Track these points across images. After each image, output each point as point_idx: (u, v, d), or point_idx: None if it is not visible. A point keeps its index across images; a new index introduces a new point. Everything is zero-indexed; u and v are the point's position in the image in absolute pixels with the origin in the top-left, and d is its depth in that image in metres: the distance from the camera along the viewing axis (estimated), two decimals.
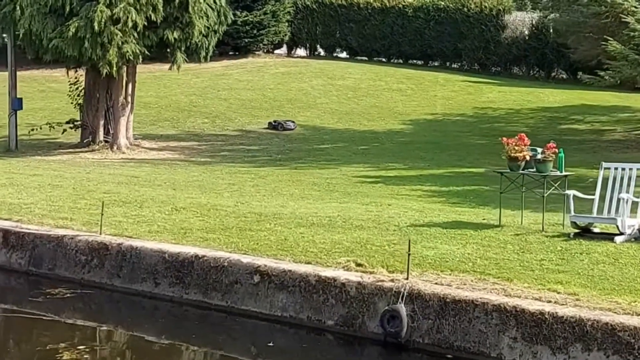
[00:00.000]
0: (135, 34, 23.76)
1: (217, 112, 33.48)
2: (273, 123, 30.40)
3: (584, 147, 25.94)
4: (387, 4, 44.84)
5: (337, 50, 47.28)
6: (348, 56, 46.61)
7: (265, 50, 45.84)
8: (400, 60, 45.13)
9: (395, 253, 10.74)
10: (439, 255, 10.65)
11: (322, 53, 47.61)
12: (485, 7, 42.27)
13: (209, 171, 21.15)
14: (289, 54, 47.86)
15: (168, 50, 25.19)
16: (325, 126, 31.33)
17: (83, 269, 12.02)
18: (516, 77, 41.72)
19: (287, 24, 44.94)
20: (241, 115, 33.16)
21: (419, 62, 45.00)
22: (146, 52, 24.33)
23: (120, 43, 23.29)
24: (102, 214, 12.30)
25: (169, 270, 11.21)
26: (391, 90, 37.06)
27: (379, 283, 9.56)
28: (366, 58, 45.88)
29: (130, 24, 23.35)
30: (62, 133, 27.30)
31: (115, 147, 25.54)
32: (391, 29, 44.50)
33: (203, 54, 26.06)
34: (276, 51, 47.45)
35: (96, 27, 22.96)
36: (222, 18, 26.13)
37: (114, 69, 23.69)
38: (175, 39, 24.51)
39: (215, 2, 25.62)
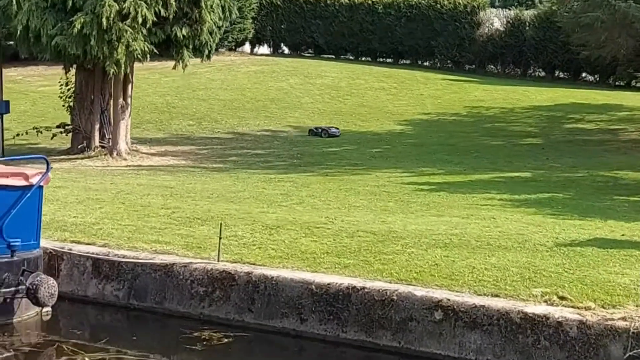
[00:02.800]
0: (145, 31, 21.97)
1: (201, 114, 31.85)
2: (315, 130, 28.29)
3: (608, 147, 25.12)
4: (356, 1, 43.68)
5: (303, 47, 45.88)
6: (314, 54, 45.25)
7: (228, 48, 44.24)
8: (369, 58, 43.98)
9: (585, 281, 9.44)
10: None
11: (287, 51, 46.19)
12: (459, 3, 41.44)
13: (239, 180, 19.56)
14: (252, 52, 46.33)
15: (175, 48, 23.38)
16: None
17: (202, 302, 10.41)
18: (491, 75, 40.96)
19: (251, 20, 43.40)
20: (227, 116, 31.61)
21: (389, 60, 43.93)
22: (154, 50, 22.54)
23: (129, 40, 21.47)
24: (221, 238, 10.67)
25: (318, 304, 9.70)
26: (374, 89, 35.89)
27: (608, 322, 8.25)
28: (333, 56, 44.63)
29: (140, 19, 21.58)
30: (52, 138, 25.30)
31: (115, 153, 23.72)
32: (360, 26, 43.36)
33: (206, 52, 24.41)
34: (239, 49, 45.85)
35: (104, 23, 21.15)
36: (227, 13, 24.51)
37: (122, 68, 21.87)
38: (184, 36, 22.81)
39: None
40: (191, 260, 10.72)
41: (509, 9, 42.91)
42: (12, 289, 9.94)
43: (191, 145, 27.10)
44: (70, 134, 25.04)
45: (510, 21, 40.62)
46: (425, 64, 43.00)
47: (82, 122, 24.59)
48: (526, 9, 42.58)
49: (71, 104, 25.05)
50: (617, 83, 38.64)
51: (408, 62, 43.18)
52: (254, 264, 10.54)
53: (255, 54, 45.92)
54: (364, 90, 35.56)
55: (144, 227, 12.56)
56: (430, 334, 9.09)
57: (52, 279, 10.07)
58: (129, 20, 21.54)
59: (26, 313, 10.18)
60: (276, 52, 45.97)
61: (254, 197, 16.27)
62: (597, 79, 39.45)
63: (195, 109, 32.56)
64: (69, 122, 25.16)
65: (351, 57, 44.52)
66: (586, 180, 19.62)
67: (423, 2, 42.05)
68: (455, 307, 9.01)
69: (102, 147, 24.30)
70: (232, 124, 30.67)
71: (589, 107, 32.67)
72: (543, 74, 40.78)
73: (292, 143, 27.19)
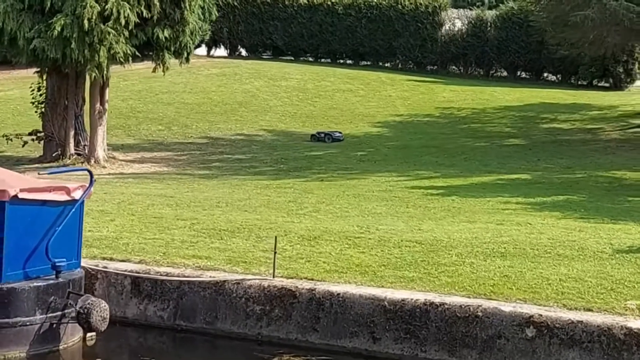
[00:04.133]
0: (127, 33, 21.09)
1: (169, 118, 30.96)
2: (318, 135, 27.23)
3: (593, 147, 24.97)
4: (315, 1, 43.10)
5: (260, 49, 45.11)
6: (272, 56, 44.52)
7: None
8: (329, 60, 43.44)
9: None
10: None
11: (244, 53, 45.39)
12: (421, 4, 41.12)
13: (234, 187, 18.85)
14: (209, 54, 45.43)
15: (155, 50, 22.53)
16: (295, 130, 29.37)
17: (259, 322, 9.73)
18: (454, 76, 40.74)
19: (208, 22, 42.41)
20: (196, 121, 30.79)
21: (349, 62, 43.42)
22: (136, 52, 21.69)
23: (112, 43, 20.57)
24: (276, 252, 10.00)
25: (392, 322, 9.11)
26: (342, 91, 35.37)
27: None
28: (292, 58, 43.98)
29: (122, 21, 20.71)
30: (23, 146, 24.22)
31: (93, 161, 22.79)
32: (320, 27, 42.76)
33: (185, 54, 23.62)
34: (195, 51, 44.81)
35: (86, 25, 20.22)
36: (207, 14, 23.73)
37: (104, 72, 20.96)
38: (166, 37, 21.98)
39: None
40: (243, 277, 10.03)
41: (471, 9, 42.73)
42: (59, 313, 9.14)
43: (167, 151, 26.24)
44: (42, 142, 23.98)
45: (473, 21, 40.45)
46: (386, 65, 42.58)
47: (55, 128, 23.58)
48: (488, 9, 42.47)
49: (43, 110, 23.98)
50: (579, 82, 38.73)
51: (369, 63, 42.70)
52: (312, 279, 9.91)
53: (212, 56, 44.99)
54: (332, 92, 34.99)
55: (173, 241, 11.81)
56: (522, 352, 8.57)
57: (103, 301, 9.29)
58: (111, 21, 20.68)
59: (71, 339, 9.38)
60: (233, 54, 45.11)
61: (264, 205, 15.59)
62: (560, 78, 39.52)
63: (161, 113, 31.64)
64: (41, 129, 24.09)
65: (311, 59, 43.91)
66: (589, 182, 19.36)
67: (384, 2, 41.63)
68: (549, 323, 8.50)
69: (78, 154, 23.34)
70: (204, 128, 29.85)
71: (559, 107, 32.59)
72: (505, 74, 40.69)
73: (271, 147, 26.51)
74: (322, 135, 26.96)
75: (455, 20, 40.94)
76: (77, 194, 9.51)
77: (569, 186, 18.57)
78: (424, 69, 41.44)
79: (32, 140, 24.04)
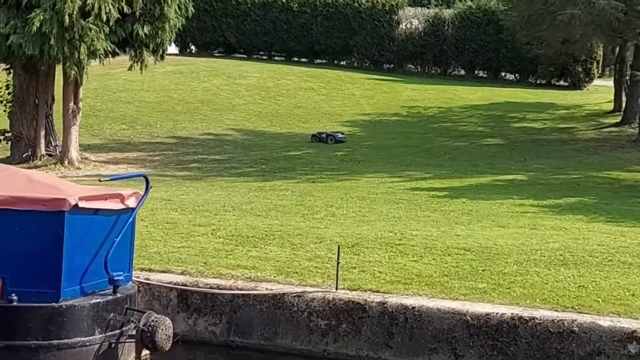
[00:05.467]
0: (107, 29, 20.17)
1: (131, 117, 30.00)
2: (319, 136, 26.11)
3: (574, 147, 24.85)
4: None
5: (212, 47, 44.21)
6: (224, 53, 43.64)
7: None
8: (283, 57, 42.77)
9: None
10: None
11: (195, 50, 44.48)
12: (378, 2, 40.71)
13: (225, 189, 18.12)
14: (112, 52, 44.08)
15: (134, 47, 21.62)
16: (264, 130, 28.70)
17: (324, 337, 9.11)
18: (411, 74, 40.42)
19: None
20: (159, 120, 29.88)
21: (304, 60, 42.77)
22: (116, 49, 20.79)
23: (93, 39, 19.64)
24: (339, 263, 9.37)
25: (477, 338, 8.58)
26: (303, 89, 34.78)
27: None
28: (245, 55, 43.19)
29: (104, 16, 19.78)
30: None
31: (66, 162, 21.77)
32: (274, 24, 42.02)
33: (161, 51, 22.77)
34: None
35: (66, 21, 19.25)
36: (183, 10, 22.88)
37: (85, 69, 20.02)
38: (145, 34, 21.11)
39: None
40: (304, 289, 9.39)
41: (428, 8, 42.46)
42: (117, 331, 8.39)
43: (137, 151, 25.30)
44: (10, 142, 22.88)
45: (430, 20, 40.15)
46: (341, 63, 42.05)
47: (24, 128, 22.49)
48: (446, 8, 42.28)
49: (11, 108, 22.85)
50: (538, 81, 38.75)
51: (325, 61, 42.11)
52: (377, 291, 9.32)
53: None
54: (294, 91, 34.36)
55: (206, 250, 11.11)
56: None
57: (167, 318, 8.56)
58: (92, 17, 19.72)
59: (129, 358, 8.62)
60: (184, 51, 44.14)
61: (272, 209, 14.92)
62: (518, 77, 39.48)
63: (122, 112, 30.64)
64: (8, 129, 22.98)
65: (264, 57, 43.19)
66: (588, 183, 19.16)
67: (340, 0, 41.08)
68: None
69: (49, 155, 22.32)
70: (169, 127, 28.95)
71: (525, 106, 32.51)
72: (463, 72, 40.49)
73: (245, 147, 25.77)
74: (324, 135, 26.00)
75: (412, 19, 40.59)
76: (130, 202, 8.76)
77: (572, 188, 18.31)
78: (381, 68, 41.03)
79: (1, 140, 22.92)
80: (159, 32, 21.55)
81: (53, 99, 22.93)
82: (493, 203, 15.84)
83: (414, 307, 8.85)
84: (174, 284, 9.66)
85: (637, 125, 27.13)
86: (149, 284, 9.70)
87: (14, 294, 7.89)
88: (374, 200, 16.20)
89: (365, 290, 9.33)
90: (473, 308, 8.73)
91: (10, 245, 8.00)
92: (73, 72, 19.92)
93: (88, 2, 19.46)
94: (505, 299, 9.05)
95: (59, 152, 22.25)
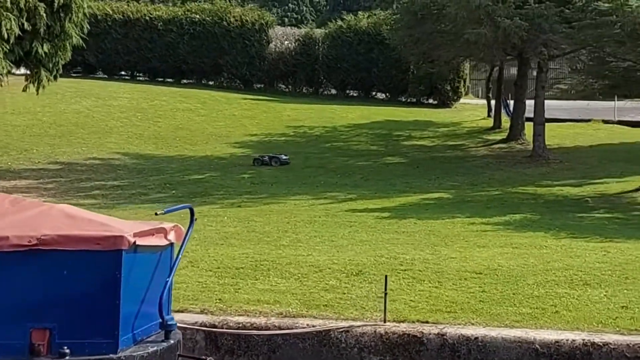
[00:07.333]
0: (8, 47, 18.74)
1: (2, 142, 28.15)
2: (261, 159, 25.08)
3: (475, 164, 25.06)
4: (131, 16, 40.99)
5: (69, 66, 42.23)
6: (82, 73, 41.86)
7: None
8: (147, 77, 41.51)
9: None
10: None
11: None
12: (247, 21, 40.11)
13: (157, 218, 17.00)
14: (9, 72, 41.87)
15: (32, 66, 20.21)
16: (151, 153, 27.54)
17: None
18: (282, 94, 40.05)
19: None
20: (34, 144, 28.20)
21: (169, 80, 41.61)
22: (14, 69, 19.33)
23: None
24: (386, 294, 8.76)
25: None
26: (181, 110, 33.79)
27: None
28: (106, 75, 41.68)
29: (5, 34, 18.34)
30: None
31: None
32: (138, 43, 40.72)
33: (55, 71, 21.42)
34: None
35: None
36: (79, 28, 21.62)
37: None
38: (45, 52, 19.75)
39: None
40: (351, 324, 8.72)
41: (299, 28, 42.17)
42: None
43: (23, 179, 23.61)
44: None
45: (302, 39, 39.89)
46: (210, 83, 41.17)
47: None
48: (317, 27, 42.15)
49: None
50: (408, 100, 39.16)
51: (192, 81, 41.09)
52: (426, 322, 8.77)
53: (14, 74, 41.62)
54: (172, 112, 33.28)
55: (207, 284, 10.27)
56: None
57: None
58: None
59: None
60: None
61: (228, 237, 14.12)
62: (389, 96, 39.73)
63: None
64: None
65: (127, 77, 41.80)
66: (512, 199, 19.28)
67: (208, 19, 40.22)
68: None
69: None
70: (47, 152, 27.28)
71: (406, 124, 32.69)
72: (334, 92, 40.39)
73: (140, 172, 24.57)
74: (267, 158, 25.09)
75: (283, 38, 40.25)
76: (172, 236, 7.85)
77: (502, 204, 18.37)
78: (251, 87, 40.43)
79: None
80: (59, 50, 20.17)
81: None
82: (444, 222, 15.60)
83: (476, 338, 8.36)
84: (200, 324, 8.77)
85: (523, 141, 27.71)
86: None
87: (65, 347, 6.86)
88: (324, 223, 15.64)
89: (414, 322, 8.76)
90: (539, 335, 8.34)
91: (57, 291, 6.96)
92: None
93: None
94: (557, 323, 8.71)
95: None
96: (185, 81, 41.35)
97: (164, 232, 7.71)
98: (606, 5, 18.01)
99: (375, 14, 39.91)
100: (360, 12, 41.61)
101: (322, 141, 29.59)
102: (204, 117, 32.86)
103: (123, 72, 42.42)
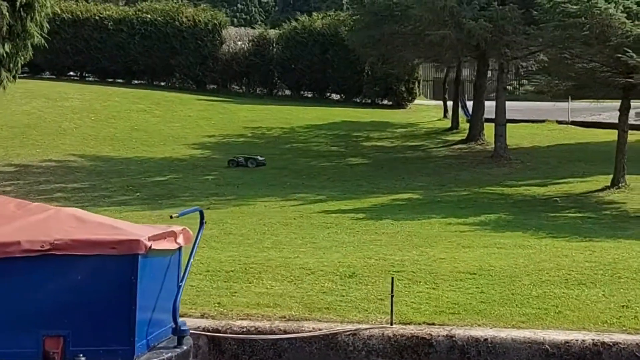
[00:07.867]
0: None
1: None
2: (237, 160, 24.64)
3: (438, 164, 25.12)
4: (80, 16, 40.37)
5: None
6: (30, 73, 41.02)
7: None
8: (97, 78, 40.91)
9: None
10: None
11: None
12: (200, 21, 39.77)
13: (127, 219, 16.71)
14: None
15: None
16: (109, 155, 27.10)
17: None
18: (236, 95, 39.78)
19: None
20: None
21: (120, 80, 41.06)
22: None
23: None
24: (393, 296, 8.66)
25: None
26: (135, 111, 33.33)
27: None
28: (54, 76, 40.98)
29: None
30: None
31: None
32: (87, 43, 40.15)
33: (14, 72, 20.94)
34: None
35: None
36: (39, 27, 21.15)
37: None
38: (7, 52, 19.30)
39: None
40: (358, 327, 8.62)
41: (253, 28, 41.89)
42: None
43: None
44: None
45: (256, 40, 39.65)
46: (161, 83, 40.72)
47: None
48: (271, 28, 41.93)
49: None
50: (363, 101, 39.14)
51: (143, 81, 40.57)
52: (433, 324, 8.70)
53: None
54: (126, 113, 32.79)
55: (200, 287, 10.06)
56: None
57: None
58: None
59: None
60: None
61: (207, 239, 13.83)
62: (344, 97, 39.65)
63: None
64: None
65: (76, 77, 41.15)
66: (482, 199, 19.35)
67: (159, 18, 39.75)
68: None
69: None
70: (1, 154, 26.71)
71: (363, 125, 32.65)
72: (289, 92, 40.21)
73: (99, 174, 24.15)
74: (242, 160, 24.73)
75: (236, 39, 39.97)
76: (180, 240, 7.67)
77: (473, 204, 18.43)
78: (204, 88, 40.08)
79: None
80: (19, 50, 19.71)
81: None
82: (421, 223, 15.58)
83: (486, 339, 8.31)
84: (202, 329, 8.59)
85: (482, 141, 27.85)
86: None
87: (80, 355, 6.63)
88: (300, 225, 15.51)
89: (420, 324, 8.68)
90: (548, 336, 8.32)
91: (71, 297, 6.73)
92: None
93: None
94: (563, 324, 8.70)
95: None
96: (136, 82, 40.84)
97: (174, 235, 7.55)
98: (574, 7, 18.16)
99: (329, 15, 39.82)
100: (314, 13, 41.50)
101: (282, 142, 29.43)
102: (159, 118, 32.46)
103: (72, 73, 41.80)
